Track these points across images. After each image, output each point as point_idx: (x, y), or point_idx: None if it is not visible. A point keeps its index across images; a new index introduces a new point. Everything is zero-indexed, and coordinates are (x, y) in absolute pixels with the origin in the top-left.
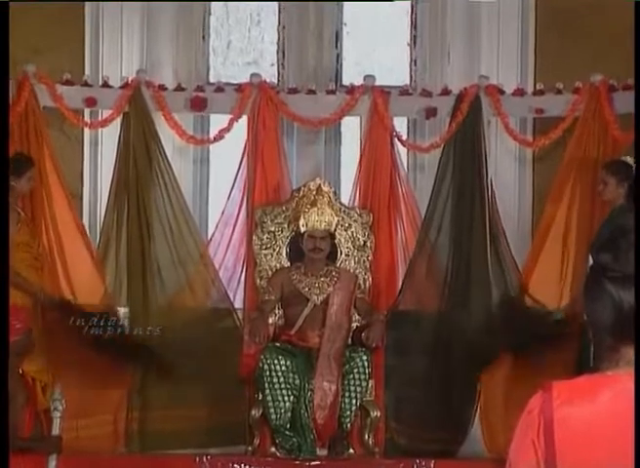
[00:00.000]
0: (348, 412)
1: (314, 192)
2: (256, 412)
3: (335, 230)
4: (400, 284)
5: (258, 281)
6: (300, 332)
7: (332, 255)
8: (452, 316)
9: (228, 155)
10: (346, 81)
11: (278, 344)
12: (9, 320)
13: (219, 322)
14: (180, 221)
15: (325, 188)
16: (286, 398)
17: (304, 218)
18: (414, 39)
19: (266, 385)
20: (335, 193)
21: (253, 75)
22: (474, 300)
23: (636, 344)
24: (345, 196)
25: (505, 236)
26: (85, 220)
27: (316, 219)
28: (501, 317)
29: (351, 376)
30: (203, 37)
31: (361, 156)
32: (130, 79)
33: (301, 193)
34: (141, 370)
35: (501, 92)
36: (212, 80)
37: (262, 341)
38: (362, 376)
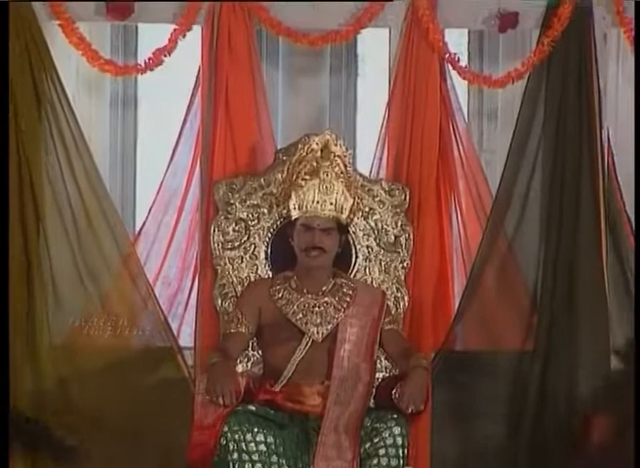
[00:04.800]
0: None
1: (316, 154)
2: None
3: (348, 219)
4: (456, 307)
5: (219, 302)
6: (291, 388)
7: (343, 260)
8: (545, 361)
9: (169, 93)
10: None
11: (253, 408)
12: (8, 319)
13: (153, 370)
14: (89, 204)
15: (335, 148)
16: None
17: (298, 197)
18: None
19: None
20: (349, 156)
21: None
22: (583, 335)
23: (636, 341)
24: (365, 162)
25: (631, 224)
26: None
27: (317, 199)
28: (625, 363)
29: (376, 461)
30: None
31: (391, 95)
32: None
33: (294, 156)
34: (29, 452)
35: None
36: None
37: (230, 404)
38: (393, 461)
